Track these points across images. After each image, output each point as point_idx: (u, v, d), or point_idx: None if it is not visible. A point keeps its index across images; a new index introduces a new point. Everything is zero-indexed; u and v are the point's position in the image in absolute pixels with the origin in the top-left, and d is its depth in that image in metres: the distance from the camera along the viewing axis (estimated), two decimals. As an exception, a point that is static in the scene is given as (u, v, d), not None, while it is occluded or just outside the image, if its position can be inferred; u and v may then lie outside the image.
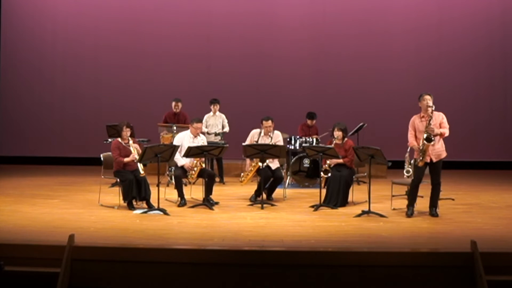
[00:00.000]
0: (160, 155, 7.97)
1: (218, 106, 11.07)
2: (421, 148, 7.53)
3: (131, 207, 8.12)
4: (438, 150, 7.63)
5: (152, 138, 10.87)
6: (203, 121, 10.75)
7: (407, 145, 7.96)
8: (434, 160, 7.61)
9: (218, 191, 9.34)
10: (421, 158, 7.56)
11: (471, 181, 11.34)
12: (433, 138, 7.46)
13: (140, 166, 8.09)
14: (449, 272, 5.77)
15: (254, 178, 9.26)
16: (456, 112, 12.35)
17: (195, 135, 8.85)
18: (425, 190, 8.02)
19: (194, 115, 9.36)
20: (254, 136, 9.12)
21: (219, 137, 10.87)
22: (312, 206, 8.34)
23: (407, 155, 8.44)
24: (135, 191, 8.04)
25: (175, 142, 8.76)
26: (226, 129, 11.05)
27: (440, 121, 7.63)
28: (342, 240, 6.54)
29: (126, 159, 8.24)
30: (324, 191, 8.52)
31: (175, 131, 10.15)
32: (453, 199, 8.97)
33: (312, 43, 13.41)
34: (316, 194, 8.62)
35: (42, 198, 9.03)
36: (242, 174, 9.16)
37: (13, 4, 13.70)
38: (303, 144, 10.16)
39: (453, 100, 12.84)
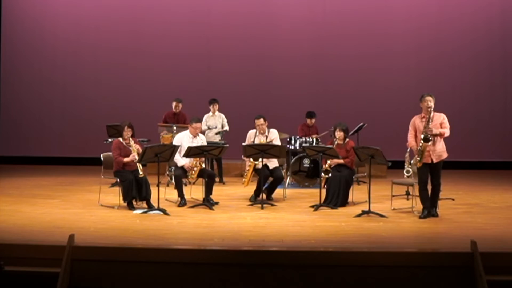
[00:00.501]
0: (160, 155, 7.97)
1: (217, 106, 11.07)
2: (419, 148, 7.53)
3: (131, 207, 8.11)
4: (439, 151, 7.61)
5: (152, 138, 10.87)
6: (203, 121, 10.76)
7: (406, 145, 7.96)
8: (435, 161, 7.59)
9: (218, 191, 9.34)
10: (418, 159, 7.55)
11: (471, 181, 11.34)
12: (430, 138, 7.46)
13: (139, 166, 8.08)
14: (449, 272, 5.77)
15: (254, 178, 9.26)
16: (456, 112, 12.35)
17: (194, 135, 8.85)
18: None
19: (194, 115, 9.35)
20: (251, 137, 9.12)
21: (219, 136, 10.87)
22: (312, 206, 8.34)
23: (407, 155, 8.44)
24: (135, 191, 8.04)
25: (174, 142, 8.76)
26: (226, 128, 11.05)
27: (441, 122, 7.61)
28: (342, 240, 6.54)
29: (126, 159, 8.24)
30: (324, 191, 8.52)
31: (175, 131, 10.15)
32: (453, 199, 8.97)
33: (312, 43, 13.41)
34: (316, 194, 8.62)
35: (42, 198, 9.03)
36: (243, 175, 9.17)
37: (13, 4, 13.71)
38: (303, 144, 10.15)
39: (453, 100, 12.85)
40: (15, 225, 7.07)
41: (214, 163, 10.76)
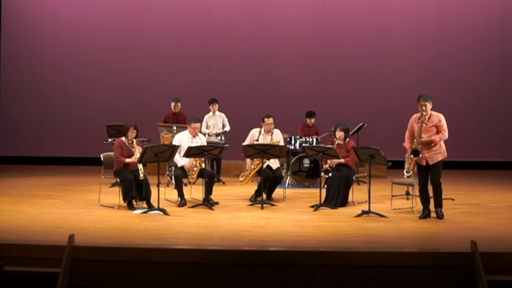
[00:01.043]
0: (160, 155, 7.96)
1: (217, 105, 11.08)
2: (411, 156, 7.54)
3: (131, 207, 8.11)
4: (433, 153, 7.51)
5: (152, 138, 10.86)
6: (203, 122, 10.76)
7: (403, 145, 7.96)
8: (430, 163, 7.54)
9: (218, 191, 9.34)
10: (407, 166, 7.63)
11: (471, 181, 11.34)
12: (420, 151, 7.44)
13: (140, 168, 8.05)
14: (449, 272, 5.77)
15: (254, 178, 9.26)
16: (456, 112, 12.37)
17: (194, 135, 8.85)
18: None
19: (194, 115, 9.36)
20: (254, 135, 9.11)
21: (219, 137, 10.87)
22: (312, 206, 8.34)
23: (407, 155, 8.43)
24: (135, 191, 8.04)
25: (173, 143, 8.75)
26: (227, 128, 11.06)
27: (437, 124, 7.51)
28: (342, 240, 6.54)
29: (127, 160, 8.23)
30: (324, 191, 8.52)
31: (175, 131, 10.15)
32: (453, 199, 8.97)
33: (312, 43, 13.41)
34: (316, 194, 8.62)
35: (42, 198, 9.03)
36: (242, 174, 9.13)
37: (13, 4, 13.70)
38: (303, 144, 10.16)
39: (453, 100, 12.85)
40: (15, 225, 7.07)
41: (214, 162, 10.75)
